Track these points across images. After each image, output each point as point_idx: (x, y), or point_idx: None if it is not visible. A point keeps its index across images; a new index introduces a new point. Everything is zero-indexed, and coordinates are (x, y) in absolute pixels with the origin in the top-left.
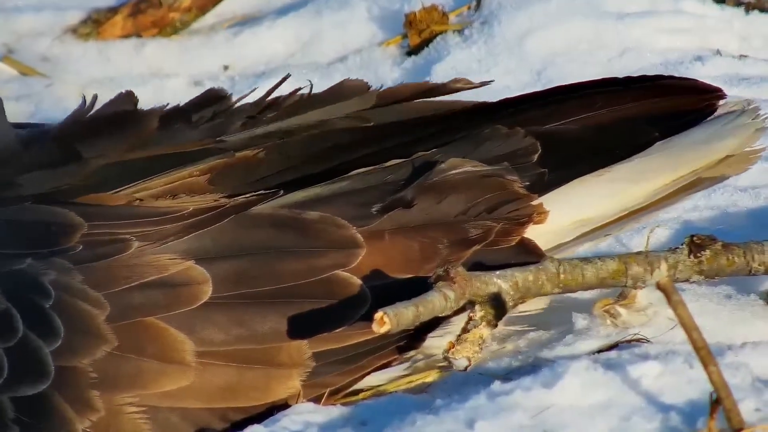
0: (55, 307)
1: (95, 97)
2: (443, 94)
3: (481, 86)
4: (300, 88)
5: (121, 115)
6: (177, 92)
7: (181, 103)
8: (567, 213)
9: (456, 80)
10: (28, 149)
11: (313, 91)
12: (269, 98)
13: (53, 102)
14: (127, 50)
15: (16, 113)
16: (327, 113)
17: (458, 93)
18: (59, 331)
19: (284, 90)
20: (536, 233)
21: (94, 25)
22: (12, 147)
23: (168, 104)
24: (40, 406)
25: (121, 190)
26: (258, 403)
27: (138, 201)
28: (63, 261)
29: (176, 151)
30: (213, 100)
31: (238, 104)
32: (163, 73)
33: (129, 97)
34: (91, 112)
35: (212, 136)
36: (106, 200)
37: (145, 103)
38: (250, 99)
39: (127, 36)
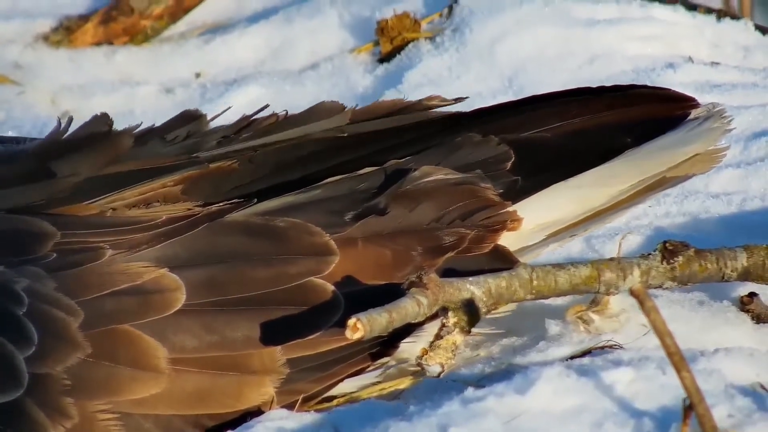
0: (29, 314)
1: (70, 119)
2: (417, 111)
3: (455, 103)
4: (275, 112)
5: (96, 135)
6: (148, 99)
7: (153, 112)
8: (531, 218)
9: (430, 98)
10: (3, 166)
11: (288, 112)
12: (245, 120)
13: (24, 109)
14: (99, 58)
15: None
16: (302, 131)
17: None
18: (33, 337)
19: (255, 98)
20: (502, 236)
21: (65, 32)
22: None
23: (141, 123)
24: (14, 413)
25: (94, 201)
26: (231, 409)
27: (111, 210)
28: (36, 269)
29: (150, 166)
30: (188, 119)
31: (213, 124)
32: (134, 81)
33: (104, 119)
34: (67, 134)
35: (187, 153)
36: (79, 210)
37: (115, 111)
38: (223, 110)
39: (98, 43)
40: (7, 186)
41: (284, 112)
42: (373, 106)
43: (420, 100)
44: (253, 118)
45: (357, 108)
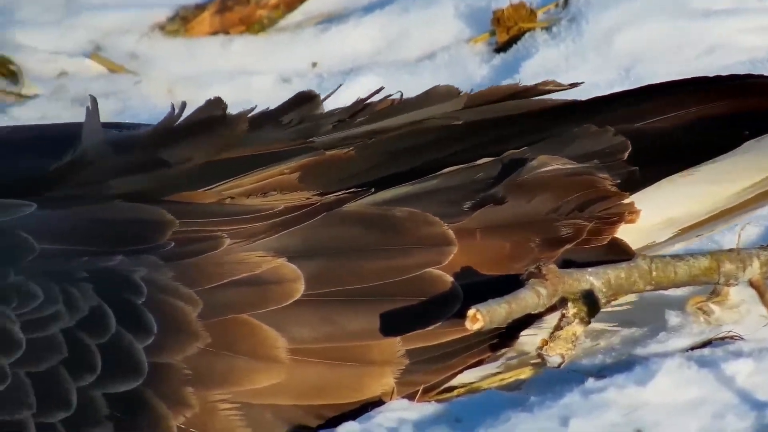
0: (148, 304)
1: (184, 105)
2: (533, 96)
3: (570, 88)
4: (390, 94)
5: (210, 120)
6: (264, 90)
7: (270, 102)
8: (656, 212)
9: (545, 82)
10: (117, 152)
11: (403, 96)
12: (359, 104)
13: (141, 99)
14: (215, 47)
15: (103, 111)
16: (417, 116)
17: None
18: (152, 327)
19: (371, 88)
20: (625, 231)
21: (181, 22)
22: (101, 149)
23: (256, 106)
24: (134, 402)
25: (211, 188)
26: (351, 400)
27: (229, 199)
28: (154, 258)
29: (266, 151)
30: (302, 102)
31: (328, 108)
32: (250, 71)
33: (218, 103)
34: (181, 119)
35: (302, 138)
36: (197, 198)
37: (232, 100)
38: (339, 98)
39: (214, 33)
40: (122, 173)
41: (399, 96)
42: (488, 91)
43: (536, 85)
44: (368, 102)
45: (472, 93)
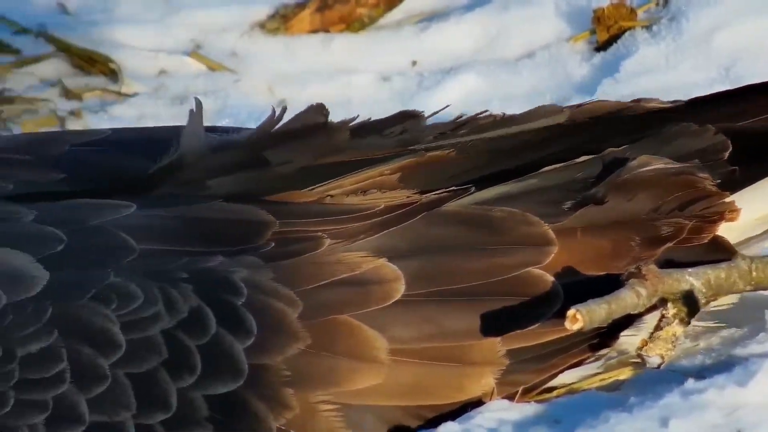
0: (248, 305)
1: (284, 108)
2: (634, 113)
3: (672, 105)
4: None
5: (312, 127)
6: (365, 88)
7: (369, 101)
8: (754, 209)
9: (649, 100)
10: (217, 154)
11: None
12: (462, 119)
13: (240, 97)
14: (315, 45)
15: (204, 109)
16: (519, 130)
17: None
18: (252, 328)
19: (471, 86)
20: (723, 229)
21: (281, 20)
22: (202, 151)
23: (358, 116)
24: (234, 404)
25: (311, 189)
26: (451, 400)
27: (328, 198)
28: (255, 258)
29: (366, 157)
30: (405, 117)
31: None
32: (350, 69)
33: (319, 109)
34: (281, 123)
35: (403, 146)
36: (297, 197)
37: (331, 99)
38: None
39: (314, 31)
40: (222, 174)
41: (501, 114)
42: (591, 107)
43: (639, 102)
44: (471, 117)
45: (576, 108)
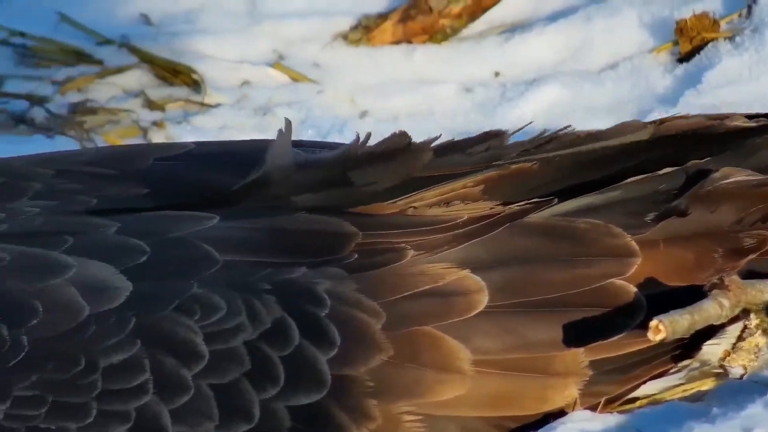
0: (331, 316)
1: (368, 135)
2: (718, 131)
3: (758, 124)
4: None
5: (395, 149)
6: (447, 99)
7: (452, 112)
8: None
9: (733, 117)
10: (302, 172)
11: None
12: (545, 135)
13: (324, 108)
14: (397, 56)
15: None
16: (603, 146)
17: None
18: (335, 340)
19: (554, 98)
20: None
21: (364, 31)
22: (288, 169)
23: (440, 135)
24: (317, 415)
25: (395, 201)
26: (534, 412)
27: (411, 210)
28: (338, 270)
29: (450, 172)
30: (488, 137)
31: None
32: (432, 80)
33: (403, 136)
34: (365, 146)
35: (487, 162)
36: (380, 210)
37: (414, 110)
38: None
39: (397, 42)
40: (307, 192)
41: (585, 131)
42: (674, 125)
43: (723, 120)
44: (554, 133)
45: (659, 125)
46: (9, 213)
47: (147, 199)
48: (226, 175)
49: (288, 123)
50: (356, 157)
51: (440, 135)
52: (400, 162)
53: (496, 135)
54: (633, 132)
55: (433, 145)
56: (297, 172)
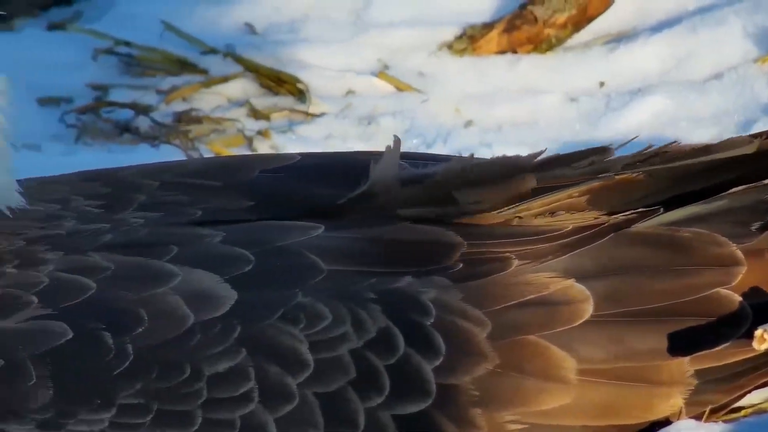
0: (436, 325)
1: (472, 155)
2: None
3: None
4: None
5: (500, 165)
6: (552, 109)
7: (557, 122)
8: None
9: None
10: (407, 188)
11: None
12: (650, 150)
13: (428, 117)
14: (502, 66)
15: (391, 129)
16: (708, 159)
17: None
18: (440, 349)
19: (659, 108)
20: None
21: (468, 40)
22: (392, 185)
23: (545, 149)
24: (422, 424)
25: (500, 212)
26: (638, 421)
27: (517, 220)
28: (443, 279)
29: (554, 184)
30: (593, 152)
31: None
32: (537, 90)
33: (505, 163)
34: (472, 163)
35: (591, 175)
36: (485, 219)
37: (519, 120)
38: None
39: (501, 52)
40: (410, 205)
41: (690, 145)
42: None
43: None
44: (659, 148)
45: (765, 139)
46: (114, 224)
47: (251, 211)
48: (331, 188)
49: (396, 140)
50: (459, 178)
51: (545, 149)
52: (504, 187)
53: (601, 150)
54: (740, 146)
55: (537, 159)
56: (402, 187)
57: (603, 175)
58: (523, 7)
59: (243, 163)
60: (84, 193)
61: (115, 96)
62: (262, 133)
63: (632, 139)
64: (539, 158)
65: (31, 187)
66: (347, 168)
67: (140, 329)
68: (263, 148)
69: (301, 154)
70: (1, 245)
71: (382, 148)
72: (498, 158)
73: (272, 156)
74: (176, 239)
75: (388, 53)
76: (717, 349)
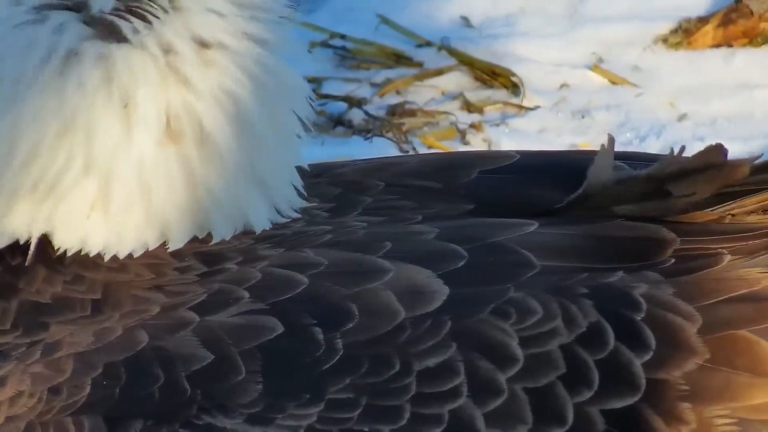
0: (647, 320)
1: (683, 148)
2: None
3: None
4: None
5: (712, 163)
6: (767, 103)
7: None
8: None
9: None
10: (620, 186)
11: None
12: None
13: (642, 111)
14: (717, 60)
15: (605, 123)
16: None
17: None
18: (650, 343)
19: None
20: None
21: (683, 34)
22: (607, 185)
23: (761, 155)
24: (631, 419)
25: (713, 210)
26: None
27: (729, 217)
28: (655, 274)
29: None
30: None
31: None
32: (752, 84)
33: (718, 150)
34: (681, 159)
35: None
36: (698, 217)
37: (734, 114)
38: None
39: (716, 46)
40: (624, 202)
41: None
42: None
43: None
44: None
45: None
46: (336, 226)
47: (471, 214)
48: (550, 191)
49: (611, 139)
50: (672, 171)
51: (761, 155)
52: (714, 176)
53: None
54: None
55: (752, 164)
56: (616, 186)
57: None
58: (738, 1)
59: (462, 163)
60: (312, 192)
61: (328, 89)
62: (475, 126)
63: None
64: (756, 162)
65: None
66: (567, 169)
67: (351, 324)
68: (476, 141)
69: (520, 153)
70: (231, 243)
71: (596, 142)
72: (709, 149)
73: (491, 154)
74: (390, 236)
75: (603, 47)
76: None
